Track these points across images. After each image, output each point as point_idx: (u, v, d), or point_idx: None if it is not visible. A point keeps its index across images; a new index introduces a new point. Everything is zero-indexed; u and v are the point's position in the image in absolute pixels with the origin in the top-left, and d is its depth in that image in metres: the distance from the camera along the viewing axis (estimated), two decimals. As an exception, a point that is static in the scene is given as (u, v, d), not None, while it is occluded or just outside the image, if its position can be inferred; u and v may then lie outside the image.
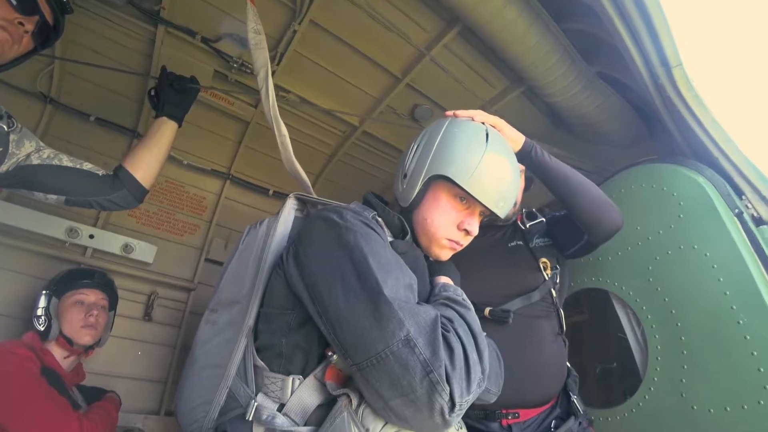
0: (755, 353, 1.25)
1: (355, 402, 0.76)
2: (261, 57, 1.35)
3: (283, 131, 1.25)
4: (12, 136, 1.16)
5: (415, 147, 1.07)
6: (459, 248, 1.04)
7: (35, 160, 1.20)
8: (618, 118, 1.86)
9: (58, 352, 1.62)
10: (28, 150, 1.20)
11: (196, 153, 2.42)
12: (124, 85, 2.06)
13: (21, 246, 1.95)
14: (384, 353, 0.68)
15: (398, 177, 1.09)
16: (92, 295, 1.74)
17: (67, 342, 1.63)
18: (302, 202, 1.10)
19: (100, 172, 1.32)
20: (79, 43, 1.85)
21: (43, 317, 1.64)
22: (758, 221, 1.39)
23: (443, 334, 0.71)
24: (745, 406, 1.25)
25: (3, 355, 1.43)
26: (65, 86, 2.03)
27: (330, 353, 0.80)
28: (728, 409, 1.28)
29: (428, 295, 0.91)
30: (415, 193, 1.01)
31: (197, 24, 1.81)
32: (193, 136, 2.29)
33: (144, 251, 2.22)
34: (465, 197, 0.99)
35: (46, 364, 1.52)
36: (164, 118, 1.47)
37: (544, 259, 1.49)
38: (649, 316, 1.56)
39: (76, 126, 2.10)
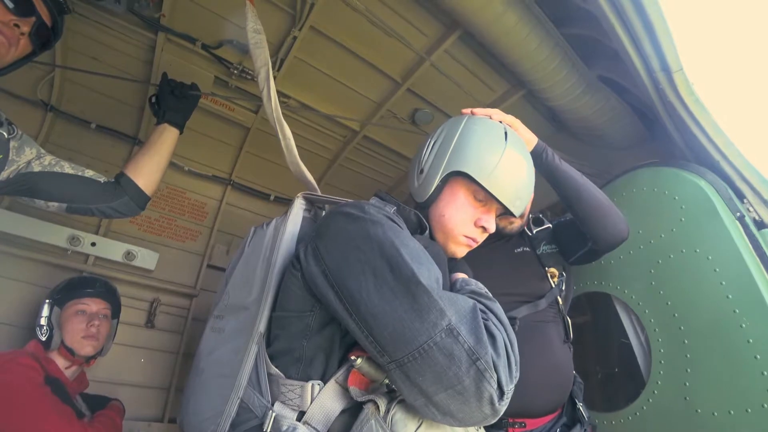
0: (758, 357, 1.26)
1: (382, 408, 0.73)
2: (261, 56, 1.33)
3: (287, 134, 1.22)
4: (12, 143, 1.15)
5: (432, 142, 1.07)
6: (475, 245, 1.03)
7: (36, 167, 1.19)
8: (618, 121, 1.86)
9: (60, 362, 1.62)
10: (29, 157, 1.19)
11: (197, 159, 2.42)
12: (125, 92, 2.06)
13: (23, 254, 1.95)
14: (427, 345, 0.65)
15: (413, 172, 1.09)
16: (94, 305, 1.74)
17: (69, 352, 1.62)
18: (310, 203, 1.08)
19: (102, 179, 1.32)
20: (79, 51, 1.85)
21: (45, 327, 1.64)
22: (760, 224, 1.39)
23: (484, 323, 0.69)
24: (749, 410, 1.25)
25: (6, 364, 1.42)
26: (66, 94, 2.04)
27: (353, 357, 0.76)
28: (732, 412, 1.29)
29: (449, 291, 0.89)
30: (432, 189, 1.01)
31: (197, 31, 1.81)
32: (193, 143, 2.29)
33: (146, 258, 2.22)
34: (483, 195, 0.99)
35: (49, 373, 1.52)
36: (165, 125, 1.47)
37: (552, 269, 1.48)
38: (652, 320, 1.56)
39: (76, 133, 2.10)
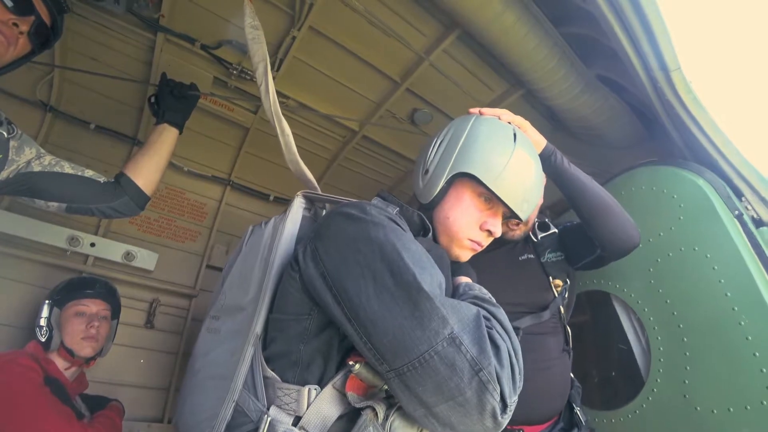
0: (757, 354, 1.26)
1: (381, 415, 0.71)
2: (259, 51, 1.32)
3: (286, 130, 1.19)
4: (12, 143, 1.15)
5: (438, 142, 1.04)
6: (480, 249, 1.01)
7: (36, 167, 1.19)
8: (617, 121, 1.87)
9: (60, 363, 1.62)
10: (29, 157, 1.19)
11: (196, 159, 2.42)
12: (124, 92, 2.06)
13: (22, 255, 1.95)
14: (428, 354, 0.63)
15: (418, 173, 1.06)
16: (93, 306, 1.73)
17: (68, 353, 1.62)
18: (310, 201, 1.05)
19: (102, 179, 1.32)
20: (78, 51, 1.85)
21: (45, 327, 1.63)
22: (758, 222, 1.40)
23: (488, 331, 0.67)
24: (748, 407, 1.26)
25: (6, 365, 1.42)
26: (65, 94, 2.03)
27: (351, 362, 0.74)
28: (731, 409, 1.29)
29: (451, 296, 0.86)
30: (438, 190, 0.98)
31: (196, 31, 1.81)
32: (193, 143, 2.28)
33: (145, 259, 2.22)
34: (489, 197, 0.97)
35: (49, 373, 1.52)
36: (165, 125, 1.47)
37: (557, 281, 1.45)
38: (651, 318, 1.57)
39: (76, 134, 2.09)
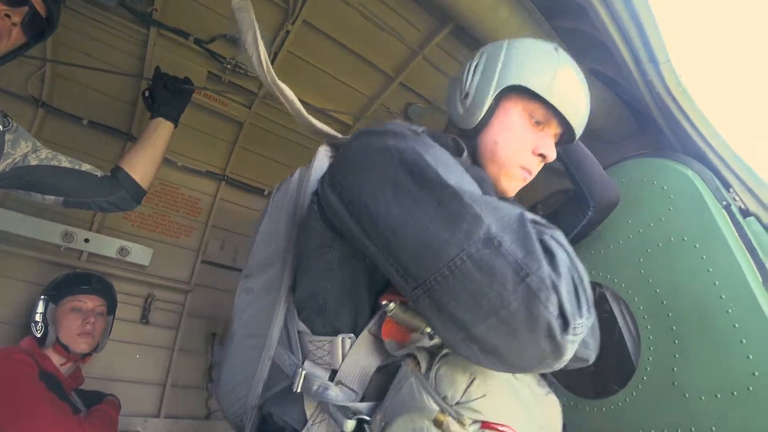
0: (744, 341, 1.28)
1: (424, 365, 0.62)
2: (246, 20, 1.26)
3: (289, 96, 1.08)
4: (8, 136, 1.14)
5: (474, 65, 0.94)
6: (530, 179, 0.92)
7: (33, 161, 1.19)
8: (609, 114, 1.88)
9: (55, 358, 1.61)
10: (25, 150, 1.18)
11: (190, 155, 2.41)
12: (117, 87, 2.05)
13: (15, 251, 1.94)
14: (459, 259, 0.51)
15: (455, 100, 0.96)
16: (90, 302, 1.73)
17: (64, 349, 1.62)
18: (335, 148, 0.98)
19: (99, 173, 1.32)
20: (70, 45, 1.84)
21: (40, 323, 1.63)
22: (745, 213, 1.43)
23: (538, 236, 0.54)
24: (735, 393, 1.28)
25: (0, 360, 1.42)
26: (57, 90, 2.02)
27: (385, 302, 0.65)
28: (719, 395, 1.31)
29: None
30: (485, 110, 0.88)
31: (190, 25, 1.81)
32: (187, 138, 2.27)
33: (140, 254, 2.21)
34: (541, 117, 0.88)
35: (44, 369, 1.51)
36: (160, 119, 1.47)
37: None
38: (641, 308, 1.59)
39: (68, 130, 2.08)
